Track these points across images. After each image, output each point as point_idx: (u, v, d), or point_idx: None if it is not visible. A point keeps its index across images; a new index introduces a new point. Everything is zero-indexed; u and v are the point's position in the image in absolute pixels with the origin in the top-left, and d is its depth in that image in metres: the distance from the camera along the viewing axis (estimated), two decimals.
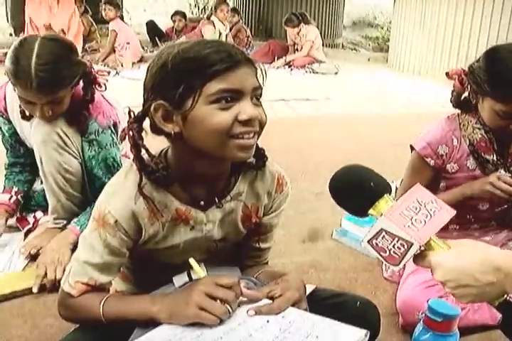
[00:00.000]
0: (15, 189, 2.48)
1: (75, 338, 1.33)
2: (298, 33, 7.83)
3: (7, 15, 10.71)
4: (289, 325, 1.15)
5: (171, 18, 9.00)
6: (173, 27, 8.95)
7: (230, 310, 1.16)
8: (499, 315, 1.87)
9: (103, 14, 7.36)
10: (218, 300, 1.15)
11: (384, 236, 1.06)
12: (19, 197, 2.48)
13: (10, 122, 2.37)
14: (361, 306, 1.37)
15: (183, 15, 9.01)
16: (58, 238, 2.25)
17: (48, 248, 2.21)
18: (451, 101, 2.04)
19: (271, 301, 1.21)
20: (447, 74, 1.99)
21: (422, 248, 1.06)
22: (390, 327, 1.92)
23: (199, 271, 1.26)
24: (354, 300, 1.39)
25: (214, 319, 1.13)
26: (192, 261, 1.27)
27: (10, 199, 2.45)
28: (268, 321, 1.16)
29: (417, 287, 1.90)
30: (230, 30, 8.58)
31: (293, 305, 1.21)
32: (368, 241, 1.08)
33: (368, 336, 1.14)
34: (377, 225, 1.07)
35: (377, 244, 1.07)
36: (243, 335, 1.11)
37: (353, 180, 1.14)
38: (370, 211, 1.10)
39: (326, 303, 1.37)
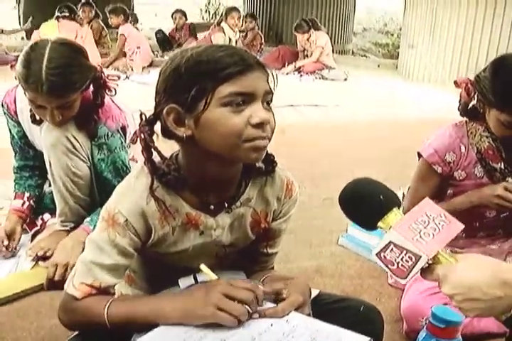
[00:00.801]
0: (27, 194, 2.49)
1: None
2: (308, 39, 7.84)
3: (19, 19, 10.79)
4: (292, 329, 1.15)
5: (172, 16, 9.20)
6: (175, 28, 9.15)
7: (250, 311, 1.14)
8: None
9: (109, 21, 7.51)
10: (236, 301, 1.14)
11: (392, 248, 1.06)
12: (31, 202, 2.49)
13: (20, 125, 2.39)
14: (365, 311, 1.37)
15: (183, 13, 9.19)
16: (71, 237, 2.25)
17: (60, 247, 2.22)
18: (458, 110, 2.04)
19: (275, 305, 1.21)
20: (455, 82, 1.99)
21: (430, 261, 1.06)
22: (394, 334, 1.92)
23: (212, 276, 1.25)
24: (358, 304, 1.39)
25: (233, 320, 1.12)
26: (203, 267, 1.27)
27: (23, 205, 2.46)
28: (272, 325, 1.16)
29: (421, 294, 1.90)
30: (246, 35, 8.61)
31: (296, 310, 1.21)
32: (377, 254, 1.09)
33: None
34: (386, 238, 1.07)
35: (385, 257, 1.08)
36: (246, 338, 1.11)
37: (362, 193, 1.15)
38: (379, 224, 1.11)
39: (329, 308, 1.36)
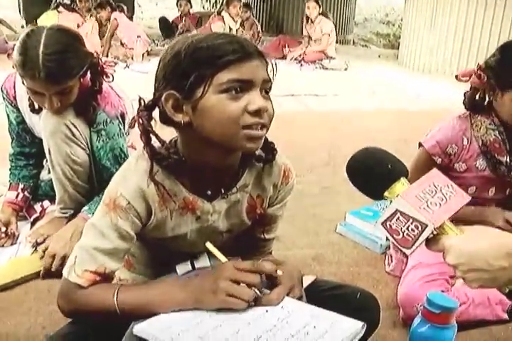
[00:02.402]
0: (21, 186, 2.48)
1: (70, 330, 1.32)
2: (313, 22, 7.78)
3: (19, 8, 10.75)
4: (287, 314, 1.16)
5: (177, 3, 9.25)
6: (179, 15, 9.17)
7: (258, 293, 1.16)
8: (500, 311, 1.89)
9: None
10: (244, 285, 1.15)
11: (399, 217, 1.06)
12: (26, 193, 2.49)
13: (18, 110, 2.38)
14: (361, 298, 1.38)
15: (188, 0, 9.24)
16: (70, 226, 2.25)
17: (57, 237, 2.20)
18: (463, 103, 2.01)
19: (268, 291, 1.21)
20: (456, 77, 1.97)
21: (435, 232, 1.06)
22: (391, 321, 1.94)
23: (218, 255, 1.26)
24: (354, 291, 1.41)
25: (243, 303, 1.13)
26: (209, 245, 1.27)
27: (17, 196, 2.46)
28: (267, 311, 1.17)
29: (418, 281, 1.90)
30: (243, 25, 8.59)
31: (287, 294, 1.22)
32: (382, 223, 1.08)
33: (365, 328, 1.14)
34: (392, 206, 1.07)
35: (391, 226, 1.07)
36: (242, 323, 1.12)
37: (371, 162, 1.15)
38: (386, 193, 1.10)
39: (326, 294, 1.38)
